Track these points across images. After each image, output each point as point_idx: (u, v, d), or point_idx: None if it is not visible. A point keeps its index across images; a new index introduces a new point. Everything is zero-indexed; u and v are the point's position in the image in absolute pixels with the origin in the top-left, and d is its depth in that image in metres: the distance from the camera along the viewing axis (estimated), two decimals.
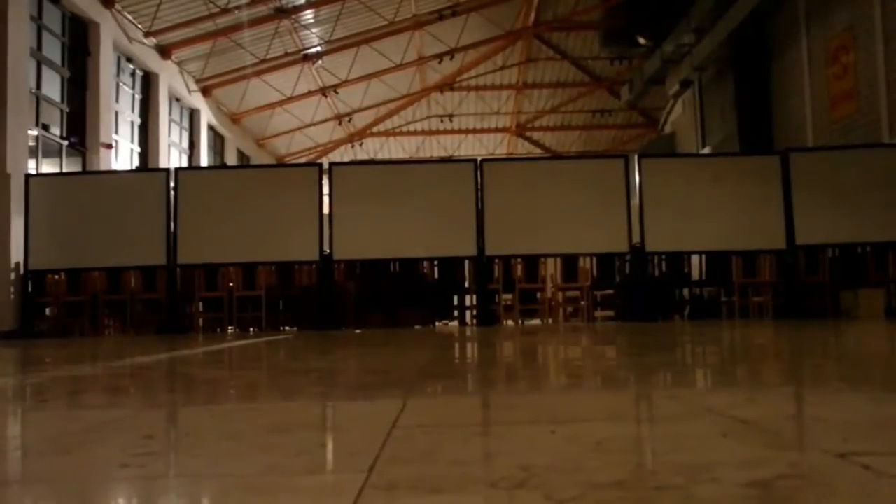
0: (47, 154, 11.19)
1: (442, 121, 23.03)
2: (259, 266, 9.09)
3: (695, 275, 9.51)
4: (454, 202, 8.44)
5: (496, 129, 24.76)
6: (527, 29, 18.63)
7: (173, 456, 0.97)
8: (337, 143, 23.16)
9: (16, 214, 9.03)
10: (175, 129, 15.82)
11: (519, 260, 8.96)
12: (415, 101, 21.90)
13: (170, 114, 15.12)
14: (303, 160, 21.91)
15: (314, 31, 16.21)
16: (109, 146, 12.24)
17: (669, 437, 0.98)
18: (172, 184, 9.06)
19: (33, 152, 10.55)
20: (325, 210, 8.85)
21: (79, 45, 11.96)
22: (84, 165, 11.77)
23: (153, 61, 14.21)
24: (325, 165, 9.31)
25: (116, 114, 13.16)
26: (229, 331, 8.96)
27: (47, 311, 9.29)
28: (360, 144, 23.67)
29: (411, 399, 1.46)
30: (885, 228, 8.57)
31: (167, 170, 9.62)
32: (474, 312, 9.00)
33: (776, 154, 9.42)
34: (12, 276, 9.00)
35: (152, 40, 14.01)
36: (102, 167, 11.72)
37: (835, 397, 1.38)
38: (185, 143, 16.50)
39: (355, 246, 8.36)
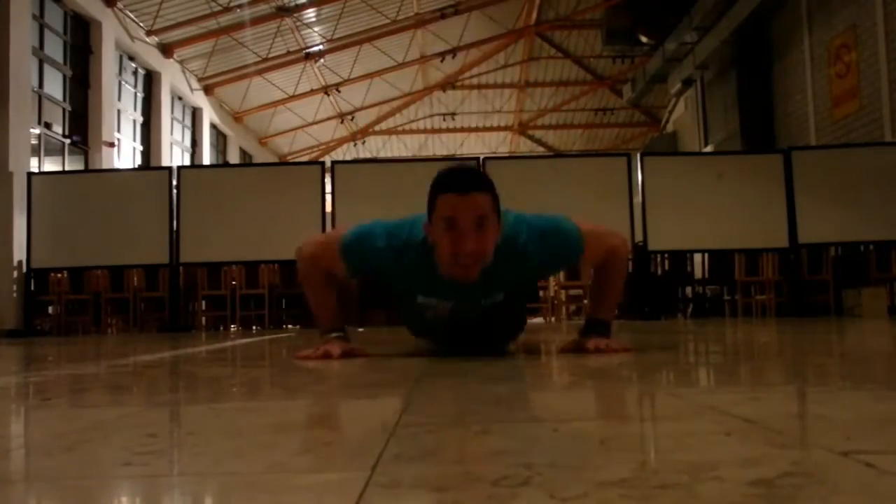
0: (49, 152, 11.20)
1: (444, 119, 23.01)
2: (262, 264, 9.09)
3: (697, 273, 9.51)
4: None
5: (498, 128, 24.75)
6: (529, 27, 18.63)
7: (176, 454, 0.97)
8: (339, 142, 23.19)
9: (18, 213, 9.05)
10: (177, 127, 15.84)
11: None
12: (417, 99, 21.91)
13: (172, 112, 15.14)
14: (305, 159, 21.94)
15: (316, 29, 16.22)
16: (112, 144, 12.25)
17: (672, 436, 0.98)
18: (175, 182, 9.08)
19: (35, 151, 10.57)
20: (328, 208, 8.86)
21: (81, 43, 11.98)
22: (86, 164, 11.79)
23: (155, 60, 14.23)
24: (328, 164, 9.33)
25: (119, 112, 13.18)
26: (232, 329, 8.98)
27: (50, 309, 9.30)
28: (363, 143, 23.67)
29: (414, 397, 1.46)
30: (887, 227, 8.57)
31: (169, 168, 9.63)
32: None
33: (779, 152, 9.42)
34: (14, 274, 9.02)
35: (154, 39, 14.03)
36: (105, 165, 11.75)
37: (838, 395, 1.38)
38: (188, 142, 16.51)
39: None
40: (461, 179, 2.20)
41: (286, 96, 18.57)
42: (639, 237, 8.76)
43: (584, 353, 2.46)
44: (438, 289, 2.43)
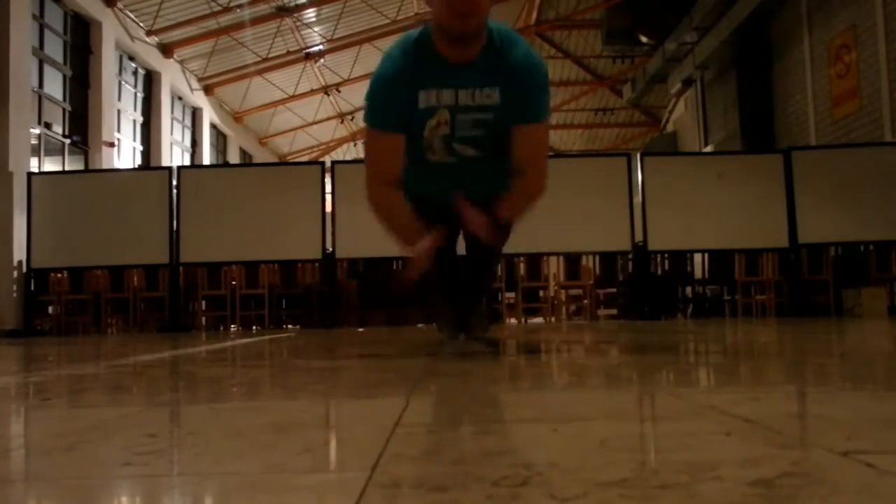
0: (49, 152, 11.19)
1: None
2: (261, 264, 9.09)
3: (697, 273, 9.51)
4: None
5: None
6: (529, 27, 18.61)
7: (176, 454, 0.97)
8: (339, 142, 23.15)
9: (18, 213, 9.04)
10: (177, 127, 15.81)
11: (521, 258, 8.97)
12: None
13: (172, 112, 15.11)
14: (305, 159, 21.90)
15: (316, 29, 16.20)
16: (112, 144, 12.25)
17: (672, 436, 0.98)
18: (175, 182, 9.07)
19: (35, 151, 10.56)
20: (328, 208, 8.86)
21: (81, 43, 11.97)
22: (86, 164, 11.78)
23: (155, 60, 14.21)
24: (328, 164, 9.33)
25: (119, 112, 13.16)
26: (232, 329, 8.98)
27: (49, 309, 9.29)
28: (363, 143, 23.60)
29: (414, 397, 1.47)
30: (887, 227, 8.57)
31: (169, 168, 9.62)
32: None
33: (779, 152, 9.42)
34: (14, 274, 9.01)
35: (154, 39, 14.01)
36: (105, 165, 11.74)
37: (838, 395, 1.38)
38: (188, 142, 16.50)
39: (358, 244, 8.32)
40: None
41: (286, 96, 18.56)
42: (639, 237, 8.76)
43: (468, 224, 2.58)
44: (441, 75, 2.53)
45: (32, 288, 8.98)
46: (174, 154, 15.08)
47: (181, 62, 15.18)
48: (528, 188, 2.71)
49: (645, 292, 8.88)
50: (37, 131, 10.48)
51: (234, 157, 18.53)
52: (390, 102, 2.57)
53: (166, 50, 14.31)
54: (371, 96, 2.59)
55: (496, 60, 2.51)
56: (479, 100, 2.55)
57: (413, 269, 2.61)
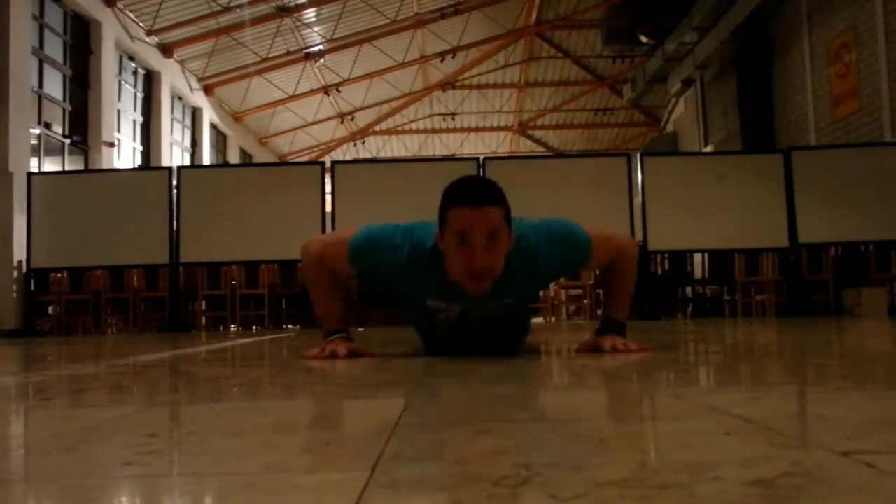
0: (49, 152, 11.19)
1: (444, 119, 22.97)
2: (261, 264, 9.09)
3: (697, 273, 9.50)
4: None
5: (498, 128, 24.71)
6: (528, 27, 18.63)
7: (177, 454, 0.97)
8: (339, 142, 23.17)
9: (18, 213, 9.05)
10: (177, 127, 15.82)
11: None
12: (417, 99, 21.89)
13: (172, 112, 15.12)
14: (305, 159, 21.91)
15: (316, 29, 16.21)
16: (112, 144, 12.24)
17: (672, 436, 0.98)
18: (175, 182, 9.07)
19: (35, 150, 10.56)
20: (328, 208, 8.86)
21: (81, 43, 11.97)
22: (86, 164, 11.79)
23: (155, 60, 14.22)
24: (328, 164, 9.33)
25: (119, 112, 13.16)
26: (232, 329, 8.97)
27: (50, 309, 9.30)
28: (363, 143, 23.63)
29: (415, 397, 1.47)
30: (887, 226, 8.57)
31: (169, 168, 9.63)
32: None
33: (779, 152, 9.42)
34: (14, 274, 9.01)
35: (154, 39, 14.02)
36: (104, 165, 11.74)
37: (838, 395, 1.38)
38: (188, 142, 16.50)
39: None
40: (473, 193, 2.18)
41: (286, 96, 18.57)
42: (639, 237, 8.76)
43: (601, 353, 2.42)
44: (449, 295, 2.40)
45: (32, 288, 8.98)
46: (174, 154, 15.08)
47: (181, 62, 15.18)
48: (626, 281, 2.58)
49: (645, 292, 8.88)
50: (37, 131, 10.48)
51: (234, 157, 18.53)
52: (374, 273, 2.49)
53: (166, 50, 14.31)
54: (362, 249, 2.43)
55: (513, 280, 2.33)
56: (493, 308, 2.44)
57: (313, 355, 2.52)
